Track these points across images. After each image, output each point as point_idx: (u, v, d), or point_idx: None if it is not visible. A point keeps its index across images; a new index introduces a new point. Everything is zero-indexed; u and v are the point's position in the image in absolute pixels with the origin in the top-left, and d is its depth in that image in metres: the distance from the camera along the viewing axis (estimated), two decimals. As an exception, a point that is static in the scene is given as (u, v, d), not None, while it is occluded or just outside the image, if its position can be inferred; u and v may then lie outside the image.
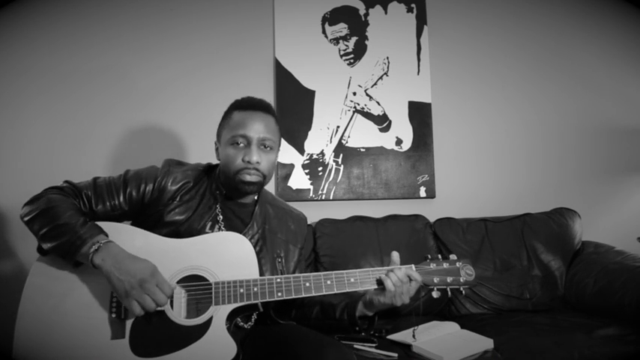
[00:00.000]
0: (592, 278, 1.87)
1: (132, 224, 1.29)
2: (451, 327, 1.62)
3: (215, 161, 1.41)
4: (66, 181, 1.26)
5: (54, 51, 2.10)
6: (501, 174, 2.38)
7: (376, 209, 2.19)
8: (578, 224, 2.12)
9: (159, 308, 1.06)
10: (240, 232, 1.27)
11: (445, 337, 1.53)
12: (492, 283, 1.96)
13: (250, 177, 1.25)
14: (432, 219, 2.16)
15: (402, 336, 1.53)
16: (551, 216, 2.13)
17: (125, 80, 2.15)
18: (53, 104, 2.08)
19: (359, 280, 1.18)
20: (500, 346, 1.47)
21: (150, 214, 1.27)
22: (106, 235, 1.11)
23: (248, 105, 1.31)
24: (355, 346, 1.46)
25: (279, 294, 1.14)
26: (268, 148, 1.29)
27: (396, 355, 1.40)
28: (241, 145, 1.26)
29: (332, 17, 2.32)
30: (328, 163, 2.25)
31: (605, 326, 1.59)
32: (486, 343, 1.47)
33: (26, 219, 1.15)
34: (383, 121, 2.30)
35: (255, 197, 1.39)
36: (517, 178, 2.38)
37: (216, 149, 1.37)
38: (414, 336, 1.44)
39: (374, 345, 1.47)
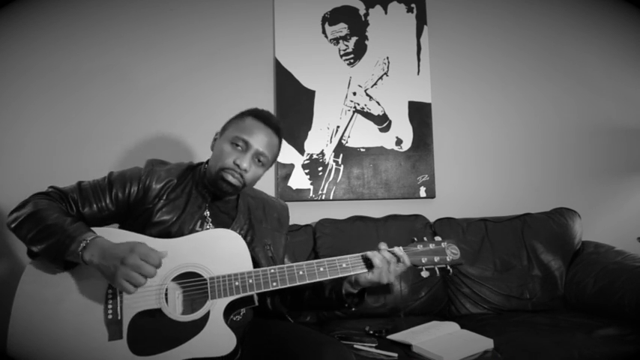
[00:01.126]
0: (592, 278, 1.87)
1: (119, 227, 1.29)
2: (451, 327, 1.62)
3: (200, 159, 1.42)
4: (51, 187, 1.25)
5: (54, 51, 2.10)
6: (501, 174, 2.38)
7: (376, 209, 2.19)
8: (578, 224, 2.12)
9: (147, 279, 1.03)
10: (228, 226, 1.30)
11: (445, 337, 1.53)
12: (492, 283, 1.96)
13: (233, 179, 1.27)
14: (432, 219, 2.16)
15: (402, 336, 1.54)
16: (551, 216, 2.13)
17: (125, 80, 2.15)
18: (53, 104, 2.09)
19: (350, 265, 1.23)
20: (500, 346, 1.47)
21: (138, 215, 1.27)
22: (94, 233, 1.11)
23: (263, 118, 1.35)
24: (355, 346, 1.46)
25: (274, 284, 1.16)
26: (260, 164, 1.32)
27: (396, 355, 1.40)
28: (239, 148, 1.29)
29: (332, 17, 2.32)
30: (328, 163, 2.25)
31: (605, 326, 1.59)
32: (486, 343, 1.47)
33: (13, 225, 1.14)
34: (383, 121, 2.30)
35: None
36: (517, 178, 2.38)
37: (214, 140, 1.38)
38: (402, 314, 1.45)
39: (374, 345, 1.47)
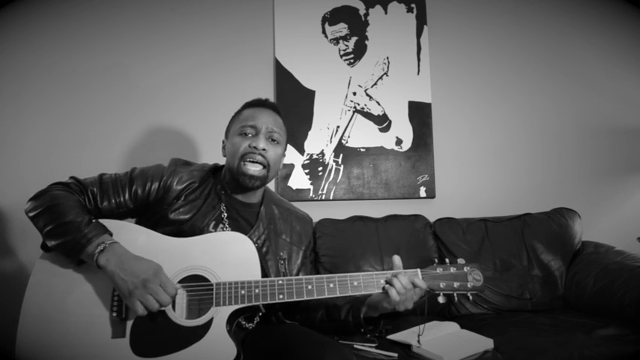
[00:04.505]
0: (592, 278, 1.86)
1: (136, 222, 1.29)
2: (451, 327, 1.62)
3: (219, 162, 1.41)
4: (72, 177, 1.25)
5: (54, 51, 2.10)
6: (501, 174, 2.38)
7: (376, 209, 2.19)
8: (578, 224, 2.12)
9: (161, 308, 1.06)
10: (246, 233, 1.27)
11: (445, 337, 1.53)
12: (492, 283, 1.96)
13: (254, 167, 1.26)
14: (432, 219, 2.16)
15: (402, 336, 1.53)
16: (551, 216, 2.13)
17: (125, 80, 2.15)
18: (54, 104, 2.08)
19: (362, 284, 1.16)
20: (500, 346, 1.47)
21: (154, 213, 1.27)
22: (111, 235, 1.11)
23: (258, 103, 1.37)
24: (355, 346, 1.46)
25: (281, 296, 1.13)
26: (275, 142, 1.32)
27: (396, 355, 1.40)
28: (249, 135, 1.29)
29: (332, 17, 2.32)
30: (328, 163, 2.25)
31: (605, 326, 1.59)
32: (486, 343, 1.47)
33: (31, 214, 1.15)
34: (383, 121, 2.30)
35: (261, 198, 1.40)
36: (517, 178, 2.38)
37: (223, 147, 1.38)
38: (418, 342, 1.41)
39: (374, 345, 1.47)
